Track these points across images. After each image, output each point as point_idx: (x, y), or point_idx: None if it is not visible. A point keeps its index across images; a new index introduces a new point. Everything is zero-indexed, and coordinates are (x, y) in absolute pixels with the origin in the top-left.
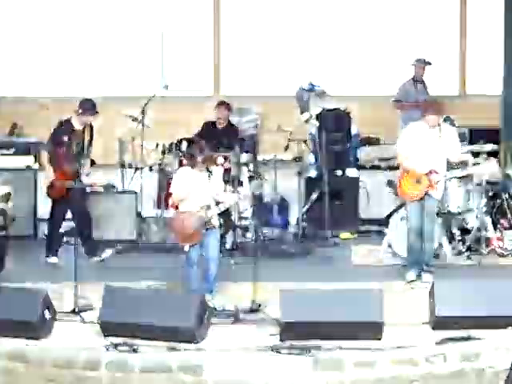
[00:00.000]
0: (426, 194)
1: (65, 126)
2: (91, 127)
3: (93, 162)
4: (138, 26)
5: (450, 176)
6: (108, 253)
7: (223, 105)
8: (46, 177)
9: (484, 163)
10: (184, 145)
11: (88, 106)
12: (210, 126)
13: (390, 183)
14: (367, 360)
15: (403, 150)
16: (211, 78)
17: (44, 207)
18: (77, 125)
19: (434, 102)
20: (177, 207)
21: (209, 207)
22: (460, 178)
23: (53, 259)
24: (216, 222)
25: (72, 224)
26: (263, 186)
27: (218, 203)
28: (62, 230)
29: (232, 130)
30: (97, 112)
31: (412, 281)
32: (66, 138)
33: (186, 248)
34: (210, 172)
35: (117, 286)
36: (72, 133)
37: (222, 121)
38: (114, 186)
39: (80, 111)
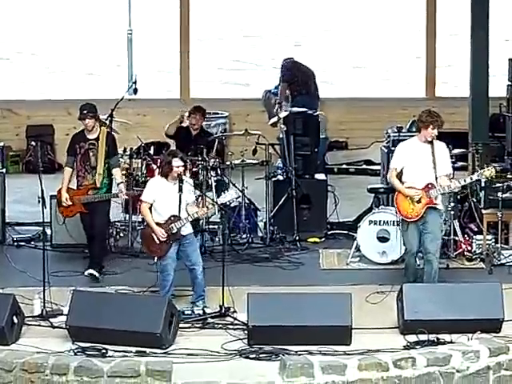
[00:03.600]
0: (428, 208)
1: (77, 137)
2: (108, 135)
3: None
4: (105, 30)
5: (448, 190)
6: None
7: (200, 112)
8: (61, 194)
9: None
10: (152, 149)
11: (81, 110)
12: (183, 132)
13: (373, 191)
14: (336, 364)
15: (396, 166)
16: (179, 81)
17: (12, 212)
18: (89, 134)
19: (438, 115)
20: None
21: (177, 218)
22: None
23: (92, 271)
24: (188, 230)
25: (38, 229)
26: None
27: (188, 214)
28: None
29: (205, 136)
30: (88, 115)
31: None
32: (77, 146)
33: (155, 259)
34: (182, 183)
35: (85, 290)
36: (85, 142)
37: (196, 127)
38: None
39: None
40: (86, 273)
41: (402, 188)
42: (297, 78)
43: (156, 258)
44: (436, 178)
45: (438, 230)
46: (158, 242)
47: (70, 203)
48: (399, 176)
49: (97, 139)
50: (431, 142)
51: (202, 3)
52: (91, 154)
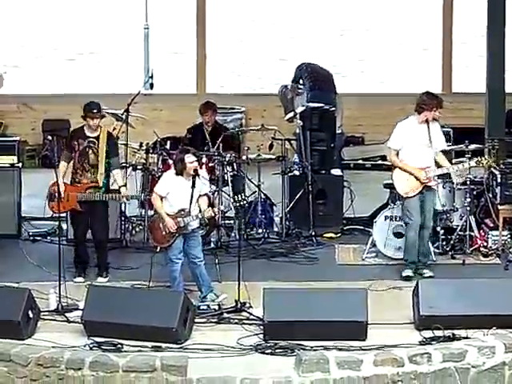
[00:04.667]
0: (425, 187)
1: (76, 133)
2: (109, 135)
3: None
4: (122, 25)
5: (446, 171)
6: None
7: (211, 108)
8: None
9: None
10: (168, 144)
11: (88, 109)
12: (199, 129)
13: (389, 186)
14: (351, 360)
15: (396, 147)
16: (195, 76)
17: (27, 206)
18: (89, 132)
19: (438, 96)
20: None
21: (187, 213)
22: (443, 175)
23: (78, 279)
24: (195, 225)
25: (54, 224)
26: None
27: (200, 211)
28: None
29: (220, 130)
30: (97, 114)
31: (409, 277)
32: (75, 143)
33: (157, 249)
34: (195, 180)
35: (100, 285)
36: (84, 140)
37: (210, 124)
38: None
39: (83, 115)
40: (97, 282)
41: (409, 167)
42: (304, 73)
43: (159, 248)
44: (435, 157)
45: (433, 208)
46: (164, 233)
47: (62, 199)
48: (396, 155)
49: (97, 138)
50: (427, 121)
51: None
52: (90, 152)
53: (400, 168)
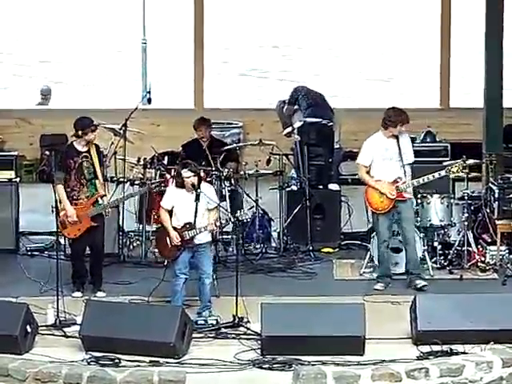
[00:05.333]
0: (398, 201)
1: (68, 151)
2: (97, 148)
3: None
4: (120, 40)
5: (416, 184)
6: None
7: (204, 124)
8: (63, 213)
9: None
10: (166, 159)
11: (86, 123)
12: (195, 145)
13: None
14: (349, 375)
15: (365, 163)
16: (193, 91)
17: (25, 221)
18: (80, 147)
19: (404, 112)
20: (159, 222)
21: (192, 227)
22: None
23: (76, 293)
24: (205, 239)
25: (52, 238)
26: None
27: (205, 227)
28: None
29: (218, 145)
30: (96, 127)
31: (379, 290)
32: (71, 161)
33: (165, 263)
34: (199, 194)
35: (98, 300)
36: (78, 156)
37: (205, 139)
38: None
39: (79, 131)
40: (95, 297)
41: (376, 184)
42: (300, 94)
43: (166, 262)
44: (404, 171)
45: (413, 216)
46: (170, 246)
47: (76, 220)
48: (367, 171)
49: (88, 152)
50: (396, 136)
51: (217, 13)
52: (85, 166)
53: (370, 186)
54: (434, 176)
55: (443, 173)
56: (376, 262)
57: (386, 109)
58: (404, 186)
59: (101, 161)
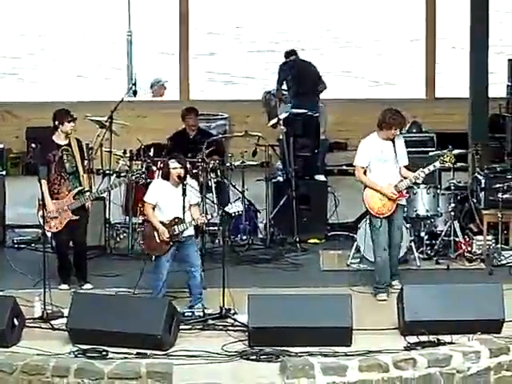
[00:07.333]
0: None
1: (47, 144)
2: (77, 141)
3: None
4: (105, 32)
5: (414, 180)
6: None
7: (194, 111)
8: (46, 210)
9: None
10: (152, 151)
11: (62, 114)
12: (182, 135)
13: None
14: (336, 366)
15: (363, 164)
16: (178, 82)
17: (12, 214)
18: (60, 140)
19: (401, 116)
20: (144, 215)
21: (180, 221)
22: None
23: (62, 286)
24: (189, 232)
25: (38, 231)
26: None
27: (193, 219)
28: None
29: (204, 136)
30: (75, 118)
31: (384, 300)
32: (50, 155)
33: (153, 258)
34: (184, 186)
35: (85, 292)
36: (57, 149)
37: (194, 127)
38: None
39: (57, 123)
40: (83, 289)
41: (377, 185)
42: (290, 77)
43: (154, 257)
44: (400, 172)
45: (402, 222)
46: (158, 241)
47: (56, 215)
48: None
49: (68, 144)
50: (392, 138)
51: (202, 3)
52: (65, 159)
53: (370, 187)
54: (429, 169)
55: (438, 164)
56: (376, 276)
57: (383, 110)
58: (402, 184)
59: (83, 154)
